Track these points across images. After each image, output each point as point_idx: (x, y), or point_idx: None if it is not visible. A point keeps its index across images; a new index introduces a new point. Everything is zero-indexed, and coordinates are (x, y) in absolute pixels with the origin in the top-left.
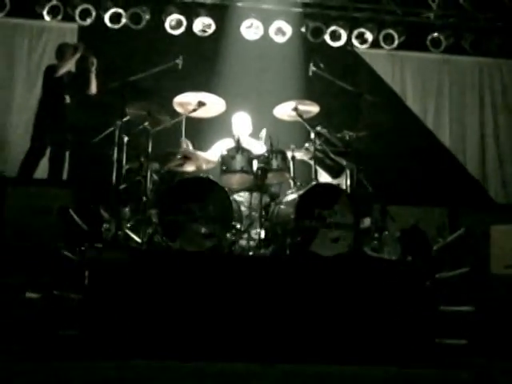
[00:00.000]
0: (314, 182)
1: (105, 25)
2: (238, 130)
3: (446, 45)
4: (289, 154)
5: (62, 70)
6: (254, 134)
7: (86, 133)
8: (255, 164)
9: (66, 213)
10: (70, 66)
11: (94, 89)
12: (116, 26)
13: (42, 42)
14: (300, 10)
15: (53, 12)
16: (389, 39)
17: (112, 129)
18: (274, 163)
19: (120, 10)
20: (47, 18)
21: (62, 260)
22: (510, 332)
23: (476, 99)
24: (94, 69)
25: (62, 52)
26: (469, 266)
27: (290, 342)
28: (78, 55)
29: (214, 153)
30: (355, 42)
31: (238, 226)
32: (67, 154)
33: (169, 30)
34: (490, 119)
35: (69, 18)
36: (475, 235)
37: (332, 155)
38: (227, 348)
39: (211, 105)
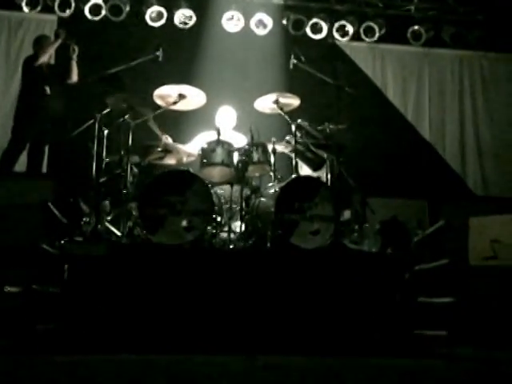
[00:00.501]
0: (294, 175)
1: (84, 16)
2: (222, 123)
3: (427, 38)
4: (269, 147)
5: (43, 58)
6: (236, 127)
7: (66, 125)
8: (236, 157)
9: (45, 206)
10: (51, 52)
11: (75, 77)
12: (96, 18)
13: (20, 34)
14: (281, 2)
15: (31, 3)
16: (370, 32)
17: (92, 121)
18: (255, 156)
19: (100, 2)
20: (26, 9)
21: (41, 254)
22: (489, 323)
23: (456, 92)
24: (75, 56)
25: (39, 44)
26: (448, 258)
27: (271, 334)
28: (59, 42)
29: (195, 146)
30: (336, 35)
31: (219, 219)
32: (47, 146)
33: (149, 22)
34: (470, 112)
35: (48, 9)
36: (454, 227)
37: (313, 148)
38: (207, 341)
39: (192, 97)
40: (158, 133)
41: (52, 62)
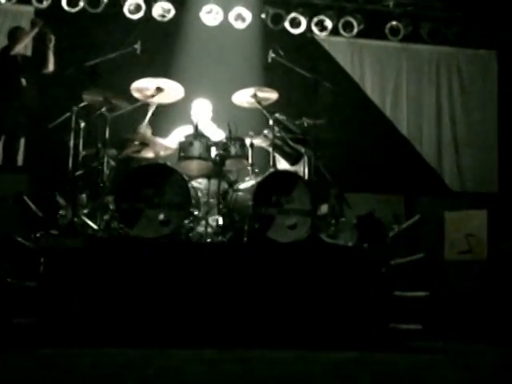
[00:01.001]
0: (272, 169)
1: (62, 8)
2: (198, 116)
3: (405, 33)
4: (247, 141)
5: (19, 47)
6: (213, 121)
7: (43, 118)
8: (213, 151)
9: (21, 199)
10: (26, 42)
11: (51, 66)
12: (73, 10)
13: None
14: None
15: None
16: (348, 27)
17: (68, 114)
18: (233, 150)
19: None
20: (2, 0)
21: (17, 247)
22: (464, 316)
23: (433, 87)
24: (51, 46)
25: (14, 35)
26: (424, 252)
27: (248, 328)
28: (35, 31)
29: (173, 139)
30: (315, 30)
31: (196, 213)
32: (23, 139)
33: (127, 15)
34: (447, 108)
35: (25, 0)
36: (430, 222)
37: (290, 142)
38: (183, 334)
39: (169, 91)
40: (145, 122)
41: (28, 53)
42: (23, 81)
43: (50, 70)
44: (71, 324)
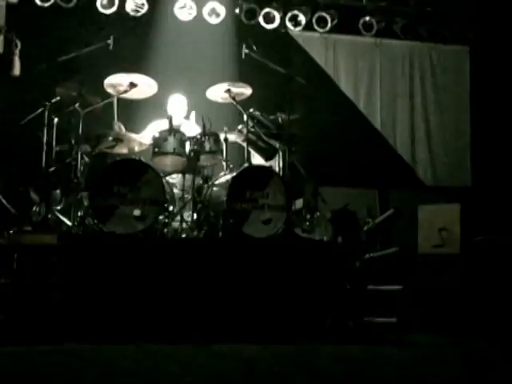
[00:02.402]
0: (246, 164)
1: (34, 3)
2: (173, 111)
3: (378, 28)
4: (221, 136)
5: None
6: (188, 116)
7: (14, 113)
8: (188, 146)
9: None
10: None
11: (17, 71)
12: (46, 4)
13: None
14: None
15: None
16: (322, 22)
17: (41, 110)
18: (207, 145)
19: None
20: None
21: None
22: (437, 310)
23: (406, 82)
24: (17, 51)
25: None
26: (397, 246)
27: (222, 323)
28: (0, 37)
29: (147, 135)
30: (289, 25)
31: (171, 209)
32: None
33: (100, 9)
34: (420, 102)
35: None
36: (404, 216)
37: (265, 137)
38: (158, 330)
39: (143, 86)
40: (115, 118)
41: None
42: None
43: (16, 74)
44: (44, 320)
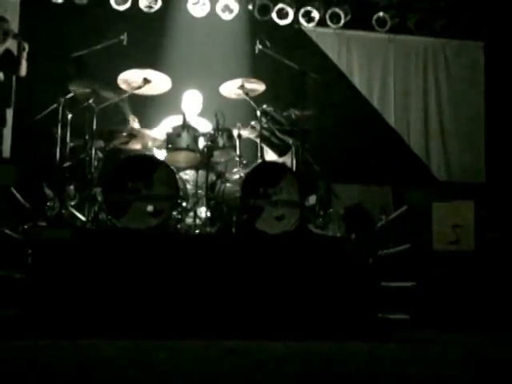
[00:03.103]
0: (259, 161)
1: None
2: (187, 107)
3: (391, 24)
4: (235, 132)
5: None
6: (202, 112)
7: (29, 109)
8: (201, 142)
9: (8, 191)
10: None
11: (23, 72)
12: (60, 1)
13: None
14: None
15: None
16: (335, 18)
17: (55, 106)
18: (220, 141)
19: None
20: None
21: (5, 239)
22: (451, 306)
23: (420, 78)
24: (25, 54)
25: None
26: (411, 243)
27: (236, 319)
28: (8, 42)
29: (161, 130)
30: (302, 21)
31: (184, 204)
32: (9, 131)
33: (114, 6)
34: (434, 98)
35: None
36: (418, 212)
37: (278, 133)
38: (172, 325)
39: (157, 82)
40: (128, 115)
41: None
42: (0, 75)
43: (22, 75)
44: (59, 315)
